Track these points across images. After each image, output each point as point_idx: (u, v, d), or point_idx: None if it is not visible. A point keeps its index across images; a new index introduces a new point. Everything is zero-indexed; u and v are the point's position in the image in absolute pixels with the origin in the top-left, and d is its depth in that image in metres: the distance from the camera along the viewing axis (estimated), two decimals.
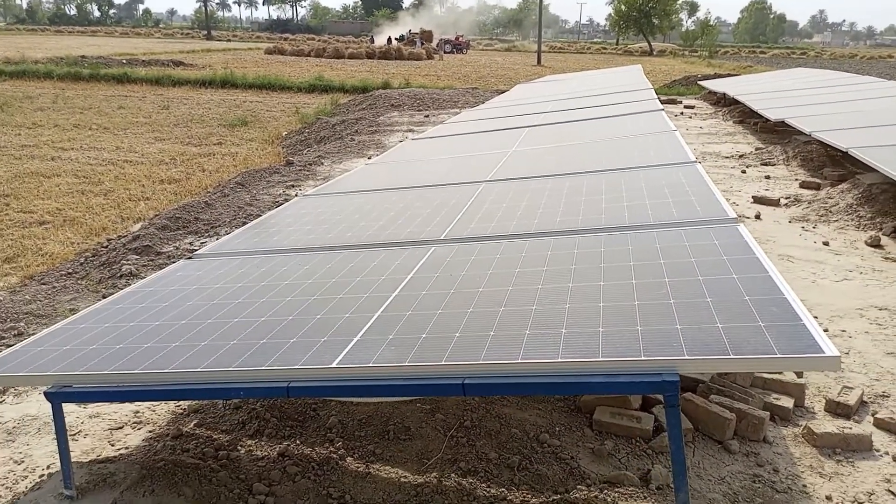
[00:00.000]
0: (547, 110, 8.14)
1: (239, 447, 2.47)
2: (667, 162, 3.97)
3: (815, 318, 3.49)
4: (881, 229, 4.92)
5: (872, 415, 2.61)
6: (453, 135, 7.08)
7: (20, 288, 4.29)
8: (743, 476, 2.27)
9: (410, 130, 10.71)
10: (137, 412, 2.76)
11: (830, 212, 5.41)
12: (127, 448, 2.50)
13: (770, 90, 11.73)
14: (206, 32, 63.28)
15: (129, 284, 3.95)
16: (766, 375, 2.76)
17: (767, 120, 9.01)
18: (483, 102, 12.42)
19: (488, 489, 2.20)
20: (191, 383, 2.00)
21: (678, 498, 1.69)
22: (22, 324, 3.66)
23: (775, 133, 9.33)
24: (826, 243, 4.74)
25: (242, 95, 17.09)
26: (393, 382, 1.85)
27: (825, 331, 3.36)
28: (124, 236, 5.22)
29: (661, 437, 2.42)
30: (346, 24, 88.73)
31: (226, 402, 2.77)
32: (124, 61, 25.52)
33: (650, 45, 57.65)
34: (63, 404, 2.16)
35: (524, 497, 2.16)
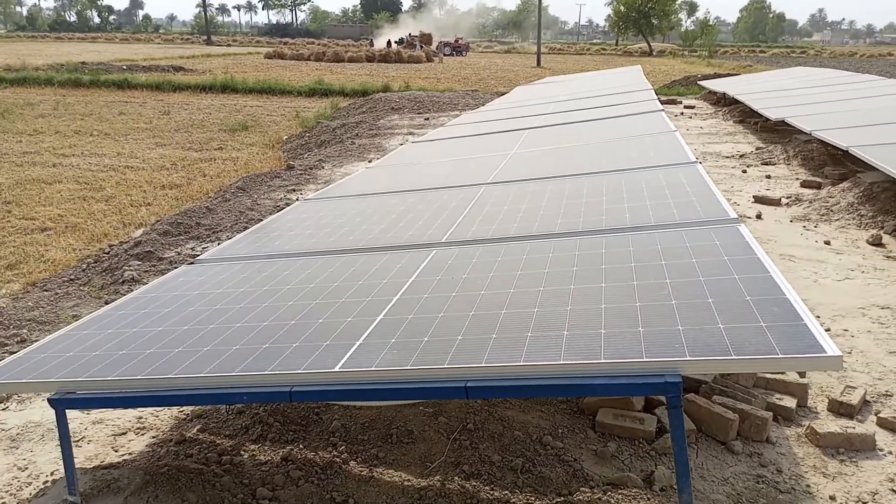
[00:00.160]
0: (547, 112, 8.15)
1: (242, 452, 2.47)
2: (667, 162, 3.97)
3: (818, 317, 3.49)
4: (882, 228, 4.92)
5: (875, 414, 2.61)
6: (453, 137, 7.09)
7: (23, 295, 4.30)
8: (746, 477, 2.27)
9: (411, 133, 10.72)
10: (141, 418, 2.76)
11: (831, 211, 5.41)
12: (130, 454, 2.51)
13: (770, 89, 11.73)
14: (205, 37, 63.38)
15: (132, 290, 3.96)
16: (768, 376, 2.76)
17: (768, 119, 9.01)
18: (483, 105, 12.43)
19: (492, 492, 2.20)
20: (194, 388, 2.00)
21: (681, 499, 1.69)
22: (25, 330, 3.66)
23: (776, 132, 9.34)
24: (827, 242, 4.74)
25: (243, 100, 17.12)
26: (395, 386, 1.85)
27: (827, 330, 3.36)
28: (126, 242, 5.23)
29: (663, 439, 2.42)
30: (345, 28, 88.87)
31: (229, 407, 2.78)
32: (124, 67, 25.58)
33: (649, 45, 57.67)
34: (66, 410, 2.16)
35: (527, 499, 2.16)
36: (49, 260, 4.98)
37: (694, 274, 2.20)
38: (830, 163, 7.12)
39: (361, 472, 2.33)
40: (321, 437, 2.54)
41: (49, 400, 2.10)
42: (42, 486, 2.33)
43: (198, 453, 2.46)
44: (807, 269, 4.24)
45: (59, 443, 2.19)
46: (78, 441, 2.59)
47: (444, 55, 43.23)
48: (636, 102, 7.59)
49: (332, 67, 30.97)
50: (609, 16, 67.17)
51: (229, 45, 58.93)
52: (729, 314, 1.86)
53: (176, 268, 3.42)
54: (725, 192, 6.29)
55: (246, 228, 5.11)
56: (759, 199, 5.88)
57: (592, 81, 13.11)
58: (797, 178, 6.71)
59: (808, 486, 2.22)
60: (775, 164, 7.50)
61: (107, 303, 3.96)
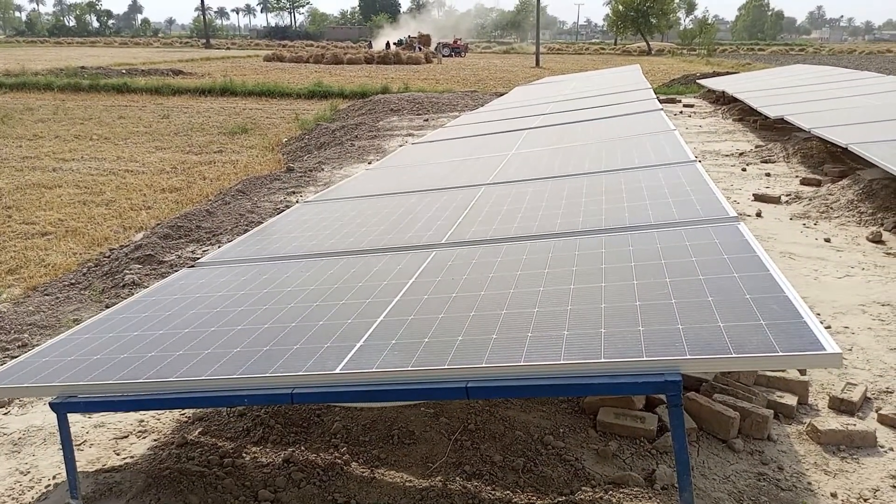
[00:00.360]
0: (546, 112, 8.16)
1: (244, 454, 2.48)
2: (666, 161, 3.98)
3: (818, 315, 3.49)
4: (882, 225, 4.92)
5: (876, 411, 2.61)
6: (453, 138, 7.09)
7: (24, 299, 4.31)
8: (748, 475, 2.27)
9: (410, 135, 10.73)
10: (142, 421, 2.76)
11: (831, 208, 5.41)
12: (132, 457, 2.51)
13: (769, 87, 11.73)
14: (204, 41, 63.42)
15: (132, 294, 3.96)
16: (769, 373, 2.76)
17: (767, 117, 9.01)
18: (482, 105, 12.44)
19: (493, 492, 2.20)
20: (195, 391, 2.00)
21: (682, 497, 1.69)
22: (26, 335, 3.67)
23: (775, 130, 9.34)
24: (827, 240, 4.74)
25: (242, 103, 17.13)
26: (396, 387, 1.85)
27: (828, 328, 3.36)
28: (126, 246, 5.24)
29: (665, 437, 2.43)
30: (344, 30, 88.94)
31: (230, 409, 2.78)
32: (124, 71, 25.59)
33: (648, 44, 57.68)
34: (68, 414, 2.17)
35: (529, 499, 2.16)
36: (50, 264, 4.98)
37: (694, 272, 2.21)
38: (830, 160, 7.12)
39: (363, 473, 2.33)
40: (322, 439, 2.55)
41: (51, 404, 2.11)
42: (44, 490, 2.34)
43: (199, 456, 2.46)
44: (807, 267, 4.24)
45: (60, 447, 2.19)
46: (80, 445, 2.59)
47: (443, 56, 43.25)
48: (635, 102, 7.59)
49: (331, 69, 30.99)
50: (607, 15, 67.22)
51: (228, 49, 58.99)
52: (729, 312, 1.86)
53: (176, 271, 3.43)
54: (725, 190, 6.29)
55: (246, 231, 5.11)
56: (758, 198, 5.89)
57: (591, 81, 13.12)
58: (797, 176, 6.72)
59: (809, 483, 2.22)
60: (775, 161, 7.50)
61: (108, 307, 3.96)
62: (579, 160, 4.55)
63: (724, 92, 12.79)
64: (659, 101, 7.48)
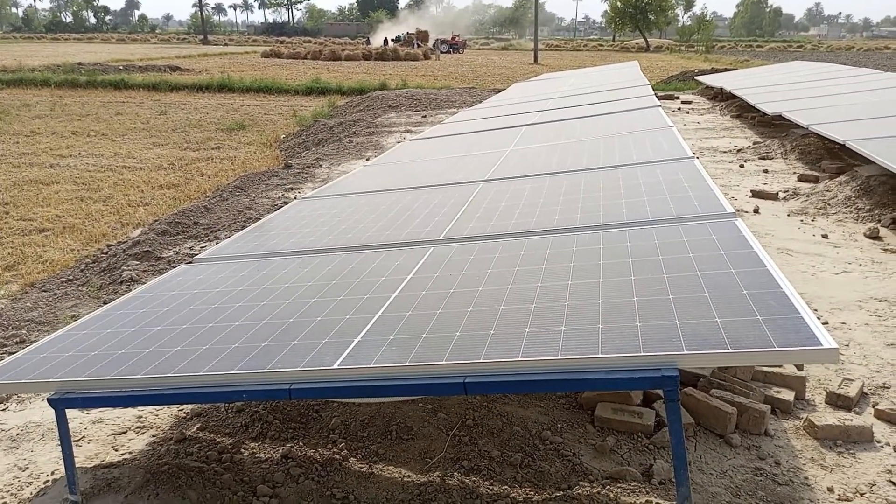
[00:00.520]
0: (544, 108, 8.15)
1: (242, 450, 2.48)
2: (664, 158, 3.98)
3: (815, 310, 3.51)
4: (880, 221, 4.93)
5: (873, 406, 2.62)
6: (451, 135, 7.09)
7: (21, 295, 4.31)
8: (745, 469, 2.28)
9: (408, 131, 10.72)
10: (140, 417, 2.77)
11: (829, 204, 5.41)
12: (131, 453, 2.51)
13: (767, 84, 11.73)
14: (202, 37, 63.28)
15: (130, 290, 3.96)
16: (766, 369, 2.77)
17: (765, 114, 9.01)
18: (480, 102, 12.43)
19: (491, 487, 2.21)
20: (193, 387, 2.01)
21: (679, 492, 1.69)
22: (24, 331, 3.67)
23: (773, 127, 9.34)
24: (825, 236, 4.75)
25: (240, 99, 17.10)
26: (394, 382, 1.85)
27: (825, 323, 3.37)
28: (124, 242, 5.24)
29: (662, 433, 2.43)
30: (342, 26, 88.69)
31: (228, 405, 2.79)
32: (121, 67, 25.54)
33: (646, 41, 57.62)
34: (66, 410, 2.17)
35: (527, 494, 2.17)
36: (47, 261, 4.98)
37: (691, 268, 2.21)
38: (828, 157, 7.13)
39: (361, 468, 2.34)
40: (321, 435, 2.55)
41: (49, 400, 2.11)
42: (43, 486, 2.34)
43: (198, 451, 2.46)
44: (804, 263, 4.25)
45: (59, 442, 2.19)
46: (78, 440, 2.59)
47: (441, 52, 43.18)
48: (633, 98, 7.59)
49: (329, 66, 30.93)
50: (606, 12, 67.11)
51: (226, 45, 58.83)
52: (726, 308, 1.87)
53: (174, 267, 3.42)
54: (723, 186, 6.30)
55: (244, 227, 5.11)
56: (756, 194, 5.89)
57: (589, 78, 13.11)
58: (794, 173, 6.72)
59: (806, 478, 2.23)
60: (773, 158, 7.50)
61: (105, 303, 3.96)
62: (577, 157, 4.55)
63: (722, 88, 12.78)
64: (657, 97, 7.48)
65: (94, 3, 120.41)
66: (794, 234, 4.83)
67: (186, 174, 8.15)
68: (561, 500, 2.12)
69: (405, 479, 2.27)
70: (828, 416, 2.50)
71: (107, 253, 5.04)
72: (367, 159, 8.42)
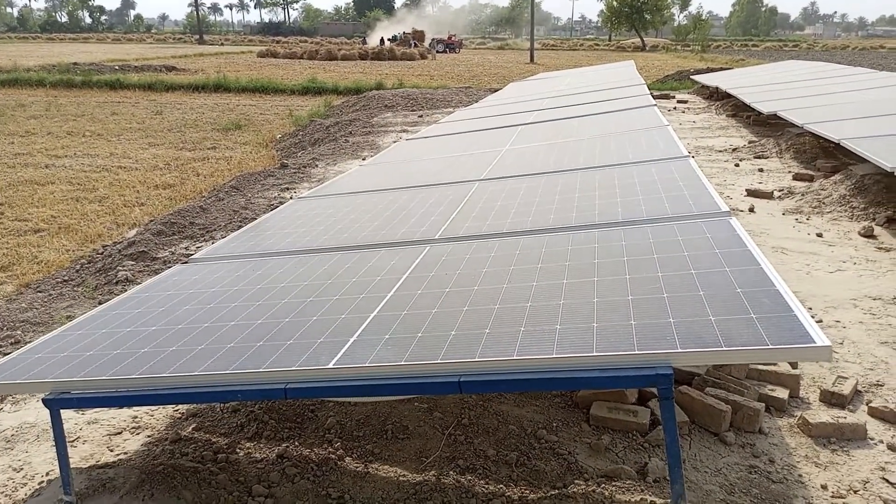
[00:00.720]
0: (540, 108, 8.16)
1: (238, 450, 2.48)
2: (659, 157, 3.99)
3: (810, 309, 3.52)
4: (874, 219, 4.95)
5: (866, 404, 2.63)
6: (447, 134, 7.09)
7: (16, 296, 4.29)
8: (739, 467, 2.28)
9: (404, 131, 10.72)
10: (136, 417, 2.76)
11: (824, 203, 5.43)
12: (126, 453, 2.51)
13: (762, 83, 11.76)
14: (198, 37, 63.14)
15: (126, 291, 3.95)
16: (760, 367, 2.78)
17: (760, 113, 9.04)
18: (476, 101, 12.43)
19: (486, 486, 2.21)
20: (188, 387, 2.01)
21: (673, 490, 1.70)
22: (19, 332, 3.66)
23: (768, 126, 9.37)
24: (820, 235, 4.77)
25: (236, 99, 17.08)
26: (389, 381, 1.86)
27: (819, 322, 3.38)
28: (120, 242, 5.23)
29: (657, 431, 2.44)
30: (338, 26, 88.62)
31: (224, 405, 2.78)
32: (116, 67, 25.48)
33: (642, 40, 57.70)
34: (61, 411, 2.16)
35: (522, 493, 2.17)
36: (42, 261, 4.97)
37: (685, 267, 2.22)
38: (822, 155, 7.15)
39: (357, 468, 2.34)
40: (317, 434, 2.55)
41: (44, 400, 2.11)
42: (37, 487, 2.34)
43: (193, 452, 2.46)
44: (799, 262, 4.26)
45: (54, 443, 2.19)
46: (73, 441, 2.59)
47: (438, 52, 43.16)
48: (629, 98, 7.60)
49: (326, 65, 30.90)
50: (602, 11, 67.16)
51: (222, 45, 58.76)
52: (720, 306, 1.88)
53: (170, 268, 3.42)
54: (718, 185, 6.31)
55: (240, 227, 5.10)
56: (751, 193, 5.91)
57: (585, 77, 13.12)
58: (789, 171, 6.74)
59: (800, 475, 2.24)
60: (768, 157, 7.52)
61: (101, 303, 3.95)
62: (573, 156, 4.55)
63: (717, 88, 12.81)
64: (653, 96, 7.50)
65: (90, 3, 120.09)
66: (788, 233, 4.85)
67: (182, 174, 8.13)
68: (556, 499, 2.13)
69: (401, 478, 2.28)
70: (822, 414, 2.51)
71: (102, 253, 5.03)
72: (364, 159, 8.41)
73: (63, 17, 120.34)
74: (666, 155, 4.01)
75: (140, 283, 3.88)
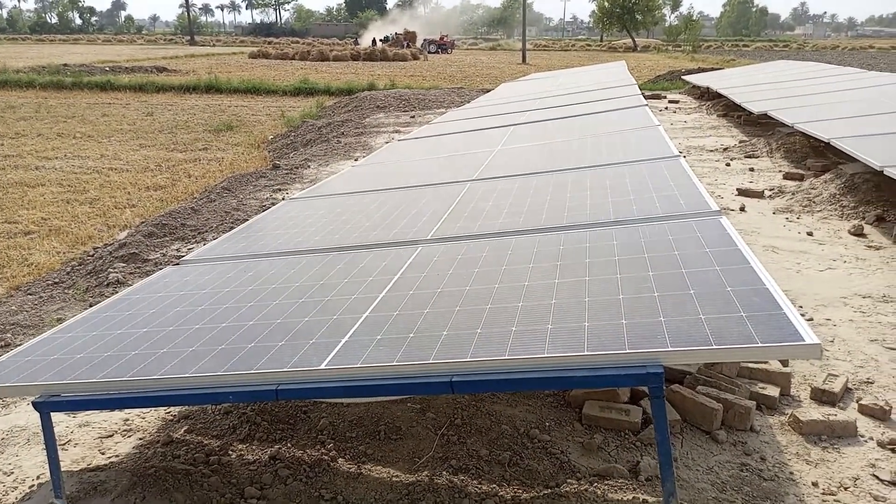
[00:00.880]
0: (532, 108, 8.17)
1: (230, 452, 2.47)
2: (650, 157, 4.00)
3: (800, 307, 3.54)
4: (864, 218, 4.98)
5: (857, 401, 2.65)
6: (439, 135, 7.09)
7: (6, 299, 4.27)
8: (731, 465, 2.29)
9: (397, 131, 10.71)
10: (127, 420, 2.75)
11: (814, 202, 5.46)
12: (117, 456, 2.50)
13: (753, 83, 11.82)
14: (189, 38, 62.94)
15: (117, 292, 3.93)
16: (751, 365, 2.79)
17: (751, 113, 9.08)
18: (468, 102, 12.44)
19: (479, 486, 2.21)
20: (179, 389, 2.00)
21: (665, 488, 1.71)
22: (9, 335, 3.64)
23: (759, 125, 9.41)
24: (810, 233, 4.79)
25: (227, 100, 17.02)
26: (381, 382, 1.85)
27: (809, 320, 3.40)
28: (111, 244, 5.20)
29: (649, 429, 2.45)
30: (330, 27, 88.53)
31: (216, 407, 2.77)
32: (107, 69, 25.33)
33: (634, 41, 57.88)
34: (52, 414, 2.15)
35: (515, 493, 2.17)
36: (33, 263, 4.94)
37: (676, 266, 2.22)
38: (813, 155, 7.19)
39: (350, 469, 2.34)
40: (309, 436, 2.55)
41: (34, 403, 2.09)
42: (28, 490, 2.32)
43: (185, 454, 2.45)
44: (789, 260, 4.28)
45: (44, 447, 2.17)
46: (64, 444, 2.57)
47: (430, 53, 43.15)
48: (620, 98, 7.63)
49: (317, 66, 30.84)
50: (593, 12, 67.35)
51: (213, 46, 58.56)
52: (710, 305, 1.88)
53: (161, 269, 3.41)
54: (709, 185, 6.34)
55: (231, 229, 5.09)
56: (742, 192, 5.94)
57: (577, 78, 13.16)
58: (780, 171, 6.78)
59: (791, 473, 2.25)
60: (758, 156, 7.56)
61: (91, 305, 3.93)
62: (564, 156, 4.56)
63: (708, 88, 12.86)
64: (644, 97, 7.52)
65: (80, 4, 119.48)
66: (779, 232, 4.87)
67: (173, 175, 8.10)
68: (549, 498, 2.13)
69: (394, 479, 2.28)
70: (812, 412, 2.53)
71: (93, 255, 5.00)
72: (356, 160, 8.40)
73: (53, 19, 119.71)
74: (657, 155, 4.02)
75: (131, 286, 3.86)
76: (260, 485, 2.26)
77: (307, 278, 2.75)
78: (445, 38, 49.59)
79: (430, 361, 1.84)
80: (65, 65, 25.73)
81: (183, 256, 3.83)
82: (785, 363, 2.87)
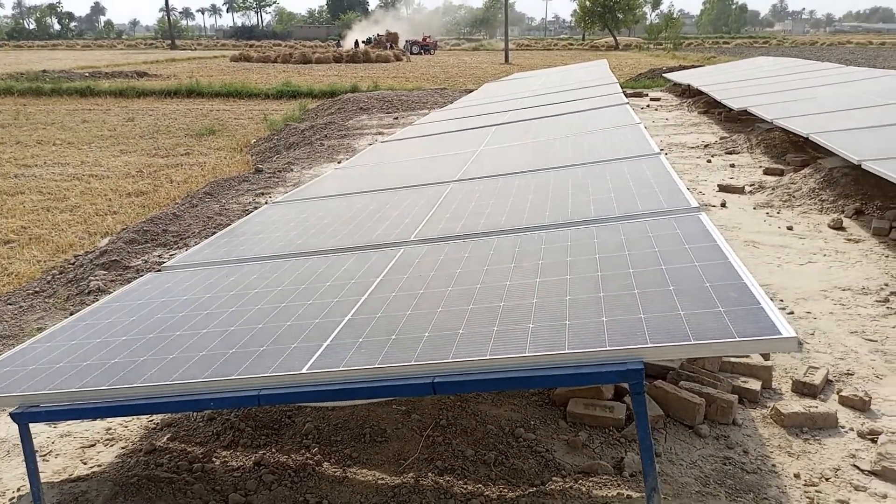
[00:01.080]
0: (514, 108, 8.19)
1: (214, 459, 2.46)
2: (632, 154, 4.02)
3: (781, 301, 3.57)
4: (843, 212, 5.04)
5: (837, 393, 2.68)
6: (422, 136, 7.09)
7: None
8: (714, 459, 2.31)
9: (380, 133, 10.69)
10: (109, 429, 2.72)
11: (794, 197, 5.52)
12: (100, 465, 2.47)
13: (733, 80, 11.92)
14: (169, 42, 62.47)
15: (98, 300, 3.89)
16: (733, 359, 2.82)
17: (731, 109, 9.16)
18: (452, 102, 12.45)
19: (465, 486, 2.21)
20: (160, 396, 1.98)
21: (647, 483, 1.72)
22: None
23: (739, 122, 9.49)
24: (790, 228, 4.84)
25: (209, 104, 16.90)
26: (363, 385, 1.85)
27: (790, 313, 3.44)
28: (91, 252, 5.15)
29: (633, 426, 2.46)
30: (312, 29, 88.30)
31: (199, 414, 2.75)
32: (87, 74, 25.09)
33: (615, 39, 58.22)
34: (32, 425, 2.12)
35: (501, 492, 2.18)
36: (13, 273, 4.87)
37: (656, 263, 2.24)
38: (792, 150, 7.27)
39: (335, 472, 2.33)
40: (294, 440, 2.54)
41: (11, 414, 2.06)
42: (7, 503, 2.29)
43: (168, 462, 2.43)
44: (770, 255, 4.32)
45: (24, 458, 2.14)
46: (45, 455, 2.54)
47: (412, 54, 43.13)
48: (602, 96, 7.67)
49: (300, 69, 30.73)
50: (575, 11, 67.66)
51: (194, 49, 58.18)
52: (689, 301, 1.90)
53: (142, 276, 3.37)
54: (691, 181, 6.39)
55: (214, 234, 5.06)
56: (723, 188, 5.99)
57: (559, 77, 13.21)
58: (760, 166, 6.84)
59: (773, 465, 2.27)
60: (739, 152, 7.63)
61: (72, 314, 3.89)
62: (547, 155, 4.58)
63: (689, 85, 12.96)
64: (626, 95, 7.57)
65: (59, 10, 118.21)
66: (760, 227, 4.92)
67: (155, 181, 8.03)
68: (534, 497, 2.14)
69: (379, 481, 2.27)
70: (794, 404, 2.55)
71: (74, 263, 4.95)
72: (339, 162, 8.38)
73: (31, 25, 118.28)
74: (638, 152, 4.04)
75: (112, 293, 3.82)
76: (244, 491, 2.24)
77: (289, 282, 2.74)
78: (428, 39, 49.56)
79: (412, 363, 1.84)
80: (44, 71, 25.45)
81: (164, 263, 3.80)
82: (766, 357, 2.89)
